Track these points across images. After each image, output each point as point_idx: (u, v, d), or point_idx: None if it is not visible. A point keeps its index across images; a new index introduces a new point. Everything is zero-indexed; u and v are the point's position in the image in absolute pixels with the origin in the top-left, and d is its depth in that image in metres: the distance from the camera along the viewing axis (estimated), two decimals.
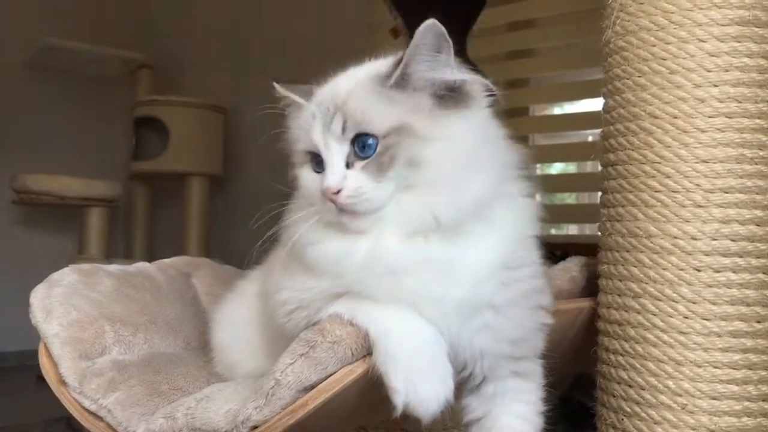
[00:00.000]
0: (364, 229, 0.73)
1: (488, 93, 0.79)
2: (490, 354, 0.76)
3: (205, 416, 0.74)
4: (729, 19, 0.85)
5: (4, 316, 2.77)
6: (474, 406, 0.81)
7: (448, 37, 0.72)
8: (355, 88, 0.75)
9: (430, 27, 0.71)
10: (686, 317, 0.86)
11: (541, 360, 0.83)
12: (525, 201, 0.80)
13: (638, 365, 0.89)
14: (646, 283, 0.89)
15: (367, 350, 0.72)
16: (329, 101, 0.75)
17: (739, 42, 0.85)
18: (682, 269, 0.86)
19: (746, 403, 0.85)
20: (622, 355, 0.92)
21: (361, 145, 0.72)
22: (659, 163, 0.89)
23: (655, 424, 0.87)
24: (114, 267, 1.11)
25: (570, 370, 1.22)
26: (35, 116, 3.08)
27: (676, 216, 0.87)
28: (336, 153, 0.73)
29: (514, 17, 2.26)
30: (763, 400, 0.86)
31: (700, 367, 0.85)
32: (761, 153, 0.86)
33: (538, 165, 2.27)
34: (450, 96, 0.73)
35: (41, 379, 0.93)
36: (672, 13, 0.88)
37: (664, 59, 0.88)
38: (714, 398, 0.85)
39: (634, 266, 0.91)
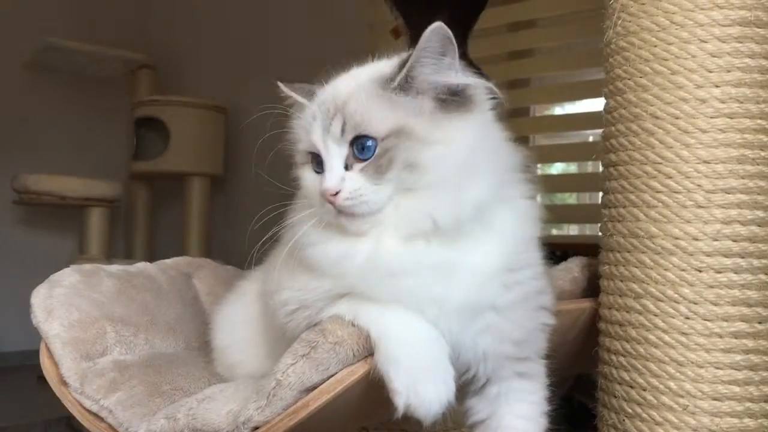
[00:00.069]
0: (363, 230, 0.73)
1: (491, 96, 0.79)
2: (492, 355, 0.77)
3: (207, 417, 0.74)
4: (731, 19, 0.85)
5: (4, 316, 2.77)
6: (478, 408, 0.81)
7: (453, 39, 0.72)
8: (356, 89, 0.75)
9: (437, 30, 0.71)
10: (688, 318, 0.86)
11: (544, 360, 0.83)
12: (527, 203, 0.80)
13: (639, 366, 0.89)
14: (648, 284, 0.89)
15: (368, 351, 0.72)
16: (330, 102, 0.75)
17: (741, 42, 0.85)
18: (683, 270, 0.86)
19: (748, 404, 0.85)
20: (623, 355, 0.92)
21: (360, 147, 0.72)
22: (661, 163, 0.89)
23: (656, 425, 0.87)
24: (115, 267, 1.11)
25: (571, 370, 1.22)
26: (36, 116, 3.08)
27: (678, 217, 0.87)
28: (335, 154, 0.74)
29: (515, 17, 2.26)
30: (765, 401, 0.86)
31: (701, 367, 0.85)
32: (763, 153, 0.86)
33: (539, 165, 2.27)
34: (452, 100, 0.73)
35: (42, 379, 0.93)
36: (673, 13, 0.88)
37: (665, 60, 0.88)
38: (715, 399, 0.85)
39: (636, 267, 0.91)
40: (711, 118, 0.86)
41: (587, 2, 1.79)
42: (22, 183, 2.70)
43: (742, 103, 0.86)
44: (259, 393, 0.72)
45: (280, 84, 0.83)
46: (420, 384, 0.68)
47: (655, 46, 0.89)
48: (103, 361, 0.93)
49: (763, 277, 0.86)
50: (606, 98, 0.99)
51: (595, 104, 2.12)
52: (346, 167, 0.73)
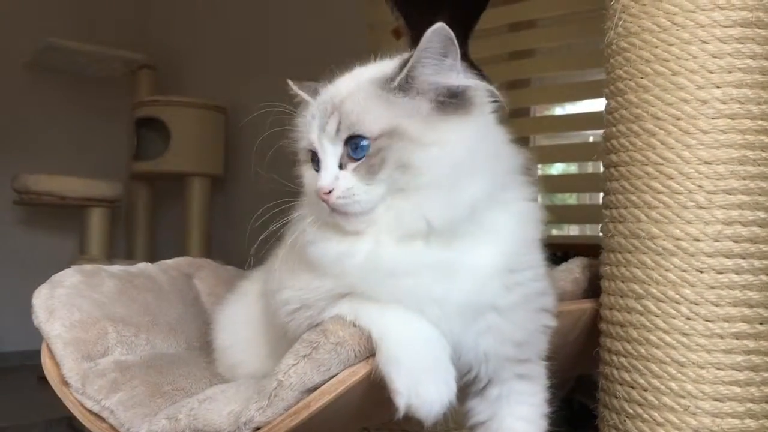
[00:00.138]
0: (359, 229, 0.73)
1: (493, 99, 0.78)
2: (494, 356, 0.77)
3: (208, 417, 0.74)
4: (732, 20, 0.85)
5: (5, 316, 2.78)
6: (479, 410, 0.81)
7: (455, 40, 0.72)
8: (354, 89, 0.76)
9: (438, 30, 0.71)
10: (689, 319, 0.86)
11: (545, 362, 0.83)
12: (528, 205, 0.80)
13: (641, 366, 0.89)
14: (649, 285, 0.89)
15: (369, 352, 0.72)
16: (328, 101, 0.76)
17: (742, 43, 0.85)
18: (684, 271, 0.86)
19: (749, 405, 0.85)
20: (624, 356, 0.92)
21: (354, 146, 0.73)
22: (662, 164, 0.89)
23: (657, 425, 0.87)
24: (116, 268, 1.11)
25: (572, 371, 1.22)
26: (36, 116, 3.09)
27: (679, 217, 0.87)
28: (330, 153, 0.74)
29: (516, 18, 2.26)
30: (766, 402, 0.86)
31: (702, 368, 0.85)
32: (764, 154, 0.86)
33: (540, 165, 2.27)
34: (451, 102, 0.73)
35: (43, 379, 0.93)
36: (674, 14, 0.88)
37: (666, 61, 0.88)
38: (717, 400, 0.85)
39: (637, 267, 0.91)
40: (712, 119, 0.86)
41: (588, 3, 1.79)
42: (23, 183, 2.70)
43: (743, 104, 0.86)
44: (261, 393, 0.72)
45: (289, 82, 0.83)
46: (421, 384, 0.68)
47: (656, 47, 0.89)
48: (105, 362, 0.93)
49: (764, 278, 0.86)
50: (607, 99, 0.99)
51: (595, 105, 2.12)
52: (341, 166, 0.74)
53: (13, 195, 2.78)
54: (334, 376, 0.71)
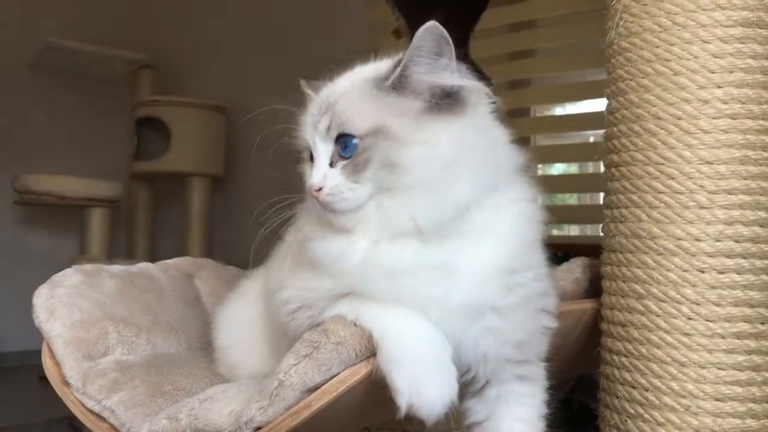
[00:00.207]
0: (348, 227, 0.74)
1: (489, 99, 0.78)
2: (493, 357, 0.76)
3: (209, 417, 0.74)
4: (733, 20, 0.85)
5: (5, 316, 2.78)
6: (476, 410, 0.81)
7: (449, 39, 0.72)
8: (348, 88, 0.76)
9: (430, 29, 0.71)
10: (690, 318, 0.86)
11: (545, 363, 0.83)
12: (528, 205, 0.79)
13: (642, 366, 0.89)
14: (650, 285, 0.89)
15: (371, 351, 0.72)
16: (323, 100, 0.77)
17: (743, 43, 0.85)
18: (685, 270, 0.86)
19: (750, 405, 0.85)
20: (625, 356, 0.91)
21: (344, 145, 0.73)
22: (663, 164, 0.89)
23: (658, 425, 0.87)
24: (117, 268, 1.11)
25: (573, 371, 1.22)
26: (37, 116, 3.09)
27: (680, 217, 0.87)
28: (322, 151, 0.75)
29: (516, 18, 2.26)
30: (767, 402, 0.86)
31: (703, 368, 0.85)
32: (765, 154, 0.86)
33: (540, 165, 2.27)
34: (445, 102, 0.73)
35: (43, 379, 0.93)
36: (675, 14, 0.88)
37: (667, 60, 0.88)
38: (718, 400, 0.84)
39: (638, 267, 0.91)
40: (713, 118, 0.86)
41: (588, 3, 1.79)
42: (23, 183, 2.70)
43: (744, 103, 0.86)
44: (262, 393, 0.72)
45: (301, 80, 0.83)
46: (422, 384, 0.68)
47: (657, 47, 0.89)
48: (105, 361, 0.93)
49: (765, 277, 0.86)
50: (608, 99, 0.99)
51: (596, 105, 2.12)
52: (332, 164, 0.74)
53: (13, 195, 2.78)
54: (335, 376, 0.71)
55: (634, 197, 0.92)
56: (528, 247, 0.78)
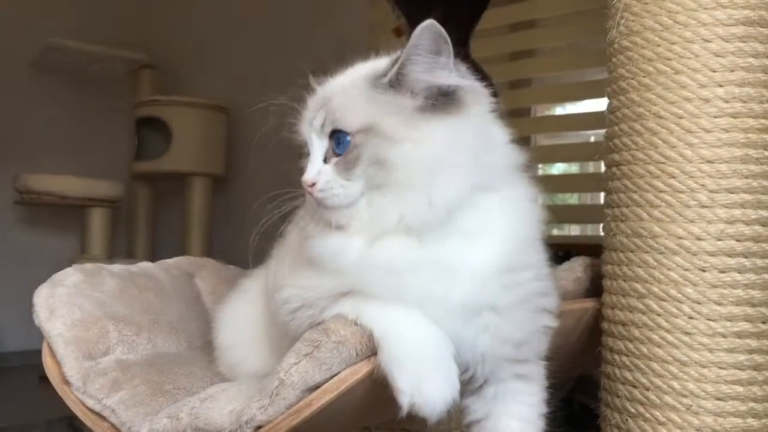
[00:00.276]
0: (342, 223, 0.74)
1: (487, 100, 0.78)
2: (491, 356, 0.76)
3: (209, 416, 0.74)
4: (734, 19, 0.85)
5: (6, 316, 2.78)
6: (474, 408, 0.81)
7: (447, 38, 0.71)
8: (345, 85, 0.77)
9: (428, 27, 0.71)
10: (691, 318, 0.86)
11: (545, 362, 0.83)
12: (527, 204, 0.79)
13: (643, 366, 0.89)
14: (651, 284, 0.89)
15: (371, 350, 0.72)
16: (320, 96, 0.77)
17: (745, 42, 0.85)
18: (686, 270, 0.86)
19: (751, 404, 0.84)
20: (626, 355, 0.91)
21: (338, 141, 0.74)
22: (664, 163, 0.89)
23: (659, 424, 0.87)
24: (117, 267, 1.11)
25: (574, 371, 1.21)
26: (38, 116, 3.09)
27: (681, 216, 0.87)
28: (316, 147, 0.76)
29: (517, 18, 2.26)
30: None
31: (704, 367, 0.85)
32: (766, 153, 0.86)
33: (540, 165, 2.27)
34: (441, 101, 0.72)
35: (44, 379, 0.93)
36: (677, 13, 0.88)
37: (668, 59, 0.88)
38: (719, 399, 0.84)
39: (639, 267, 0.90)
40: (714, 117, 0.86)
41: (589, 2, 1.79)
42: (24, 183, 2.70)
43: (745, 102, 0.85)
44: (262, 392, 0.72)
45: (310, 76, 0.83)
46: (424, 383, 0.68)
47: (659, 46, 0.89)
48: (106, 361, 0.93)
49: (766, 276, 0.86)
50: (609, 98, 0.99)
51: (596, 104, 2.12)
52: (326, 160, 0.75)
53: (14, 195, 2.78)
54: (335, 375, 0.71)
55: (635, 196, 0.92)
56: (527, 246, 0.78)
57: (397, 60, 0.73)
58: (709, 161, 0.86)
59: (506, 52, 2.33)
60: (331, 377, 0.71)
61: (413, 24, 1.66)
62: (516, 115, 2.29)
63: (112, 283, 1.05)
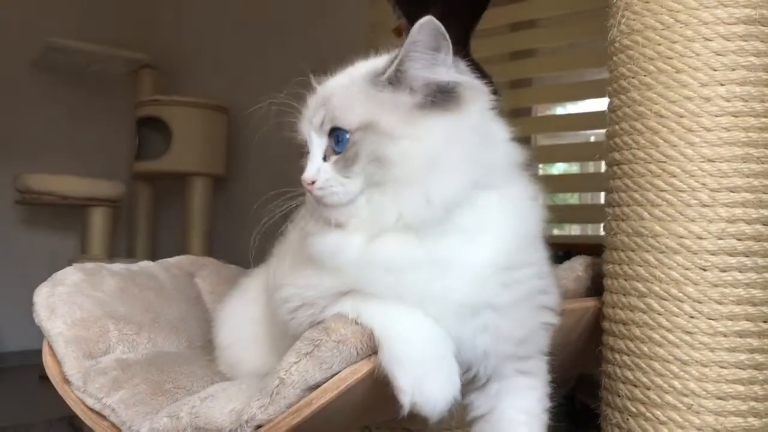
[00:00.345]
0: (342, 221, 0.74)
1: (489, 96, 0.78)
2: (493, 354, 0.76)
3: (210, 415, 0.74)
4: (735, 17, 0.85)
5: (6, 315, 2.78)
6: (478, 404, 0.81)
7: (446, 34, 0.71)
8: (344, 83, 0.77)
9: (426, 24, 0.70)
10: (692, 317, 0.86)
11: (547, 357, 0.83)
12: (527, 202, 0.79)
13: (644, 365, 0.89)
14: (652, 283, 0.89)
15: (372, 349, 0.72)
16: (320, 94, 0.78)
17: (746, 41, 0.85)
18: (687, 269, 0.86)
19: (752, 403, 0.84)
20: (627, 354, 0.91)
21: (337, 139, 0.74)
22: (665, 162, 0.88)
23: (660, 424, 0.87)
24: (118, 266, 1.11)
25: (575, 370, 1.21)
26: (38, 116, 3.09)
27: (682, 215, 0.87)
28: (316, 145, 0.76)
29: (517, 17, 2.26)
30: None
31: (706, 366, 0.85)
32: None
33: (541, 165, 2.27)
34: (440, 98, 0.72)
35: (44, 378, 0.93)
36: (678, 11, 0.88)
37: (669, 58, 0.88)
38: (720, 398, 0.84)
39: (640, 266, 0.90)
40: (715, 116, 0.86)
41: (589, 2, 1.79)
42: (24, 183, 2.70)
43: (746, 101, 0.85)
44: (263, 391, 0.72)
45: (311, 76, 0.83)
46: (425, 382, 0.68)
47: (660, 45, 0.89)
48: (106, 360, 0.93)
49: None
50: (610, 97, 0.99)
51: (597, 104, 2.12)
52: (326, 158, 0.75)
53: (14, 194, 2.78)
54: (336, 374, 0.71)
55: (636, 195, 0.91)
56: (528, 244, 0.78)
57: (396, 57, 0.73)
58: (710, 160, 0.86)
59: (507, 51, 2.33)
60: (332, 376, 0.71)
61: (413, 24, 1.66)
62: (516, 115, 2.29)
63: (113, 282, 1.05)
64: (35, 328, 0.95)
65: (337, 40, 2.65)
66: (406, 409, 0.68)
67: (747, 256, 0.85)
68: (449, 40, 0.72)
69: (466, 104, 0.74)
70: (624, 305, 0.93)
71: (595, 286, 1.03)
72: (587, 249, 1.14)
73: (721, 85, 0.86)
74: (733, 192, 0.85)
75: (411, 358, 0.69)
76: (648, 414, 0.88)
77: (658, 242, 0.89)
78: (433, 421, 0.69)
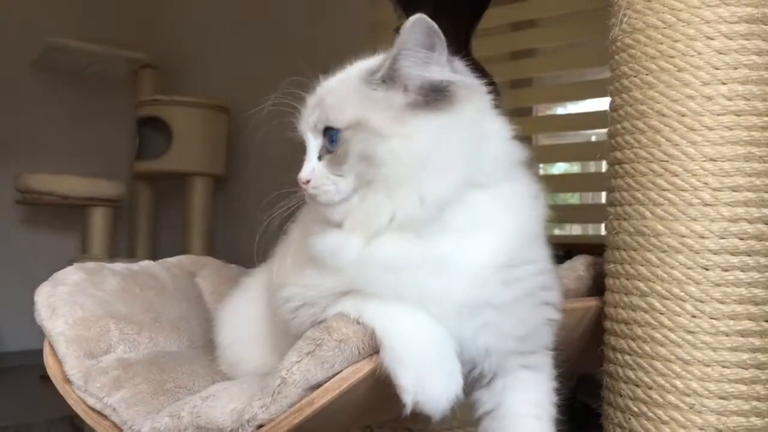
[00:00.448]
0: (337, 220, 0.74)
1: (484, 95, 0.78)
2: (495, 351, 0.76)
3: (211, 414, 0.74)
4: (737, 16, 0.85)
5: (7, 315, 2.78)
6: (485, 400, 0.81)
7: (439, 32, 0.71)
8: (340, 82, 0.77)
9: (418, 21, 0.70)
10: (694, 316, 0.85)
11: (552, 352, 0.83)
12: (528, 200, 0.79)
13: (645, 364, 0.89)
14: (654, 282, 0.89)
15: (373, 349, 0.72)
16: (317, 95, 0.78)
17: (748, 39, 0.85)
18: (689, 268, 0.86)
19: (755, 403, 0.84)
20: (629, 354, 0.91)
21: (330, 138, 0.75)
22: (667, 161, 0.88)
23: (662, 423, 0.87)
24: (118, 266, 1.11)
25: (576, 369, 1.21)
26: (39, 116, 3.09)
27: (684, 214, 0.87)
28: (312, 145, 0.77)
29: (518, 17, 2.26)
30: None
31: (708, 366, 0.84)
32: None
33: (542, 165, 2.27)
34: (432, 97, 0.72)
35: (44, 378, 0.93)
36: (680, 10, 0.87)
37: (671, 57, 0.88)
38: (722, 398, 0.84)
39: (642, 265, 0.90)
40: (718, 115, 0.86)
41: (589, 1, 1.79)
42: (25, 183, 2.70)
43: (749, 100, 0.85)
44: (264, 391, 0.72)
45: (321, 77, 0.83)
46: (427, 380, 0.68)
47: (662, 43, 0.89)
48: (107, 359, 0.93)
49: None
50: (611, 96, 0.99)
51: (597, 104, 2.12)
52: (321, 157, 0.76)
53: (15, 194, 2.79)
54: (337, 374, 0.71)
55: (638, 194, 0.91)
56: (529, 241, 0.77)
57: (389, 56, 0.73)
58: (712, 159, 0.86)
59: (507, 51, 2.33)
60: (333, 376, 0.71)
61: None
62: (517, 115, 2.29)
63: (114, 281, 1.05)
64: (36, 328, 0.95)
65: (337, 40, 2.65)
66: (408, 407, 0.68)
67: (749, 255, 0.85)
68: (443, 38, 0.71)
69: (459, 103, 0.73)
70: (626, 304, 0.92)
71: (597, 286, 1.03)
72: (588, 249, 1.14)
73: (723, 83, 0.85)
74: (736, 191, 0.85)
75: (413, 357, 0.69)
76: (650, 414, 0.88)
77: (660, 241, 0.88)
78: (436, 419, 0.69)
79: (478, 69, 1.08)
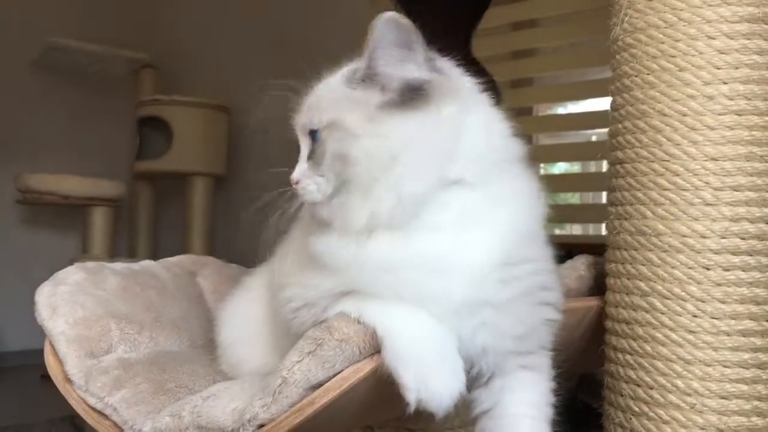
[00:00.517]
0: (324, 218, 0.75)
1: (468, 92, 0.77)
2: (492, 351, 0.76)
3: (212, 414, 0.74)
4: (739, 16, 0.85)
5: (8, 315, 2.78)
6: (482, 399, 0.80)
7: (414, 30, 0.71)
8: (326, 84, 0.78)
9: (387, 20, 0.70)
10: (695, 316, 0.85)
11: (551, 352, 0.82)
12: (526, 197, 0.78)
13: (646, 364, 0.89)
14: (655, 282, 0.89)
15: (374, 348, 0.72)
16: (309, 95, 0.79)
17: (749, 39, 0.85)
18: (690, 267, 0.86)
19: (756, 403, 0.84)
20: (630, 353, 0.91)
21: (314, 139, 0.76)
22: (668, 160, 0.88)
23: (663, 423, 0.87)
24: (119, 265, 1.11)
25: (577, 369, 1.21)
26: (39, 116, 3.09)
27: (685, 214, 0.87)
28: (303, 146, 0.78)
29: (518, 17, 2.26)
30: None
31: (709, 366, 0.84)
32: None
33: (542, 165, 2.27)
34: (408, 96, 0.71)
35: (45, 378, 0.93)
36: (681, 10, 0.87)
37: (672, 56, 0.88)
38: (723, 397, 0.84)
39: (643, 264, 0.90)
40: (719, 115, 0.86)
41: (590, 1, 1.79)
42: (25, 182, 2.70)
43: (750, 99, 0.85)
44: (265, 390, 0.72)
45: (310, 76, 0.84)
46: (430, 378, 0.68)
47: (663, 43, 0.89)
48: (108, 359, 0.93)
49: None
50: (613, 95, 0.99)
51: (598, 104, 2.12)
52: (310, 158, 0.77)
53: (15, 194, 2.79)
54: (338, 373, 0.71)
55: (639, 194, 0.91)
56: (527, 239, 0.77)
57: (365, 55, 0.73)
58: (713, 159, 0.85)
59: (508, 51, 2.33)
60: (334, 375, 0.71)
61: (416, 23, 1.66)
62: (517, 115, 2.29)
63: (114, 281, 1.05)
64: (37, 328, 0.95)
65: (337, 40, 2.65)
66: (412, 406, 0.67)
67: (750, 255, 0.85)
68: (419, 36, 0.71)
69: (436, 102, 0.72)
70: (627, 304, 0.92)
71: (598, 285, 1.02)
72: (588, 249, 1.14)
73: (725, 83, 0.85)
74: (737, 191, 0.85)
75: (415, 356, 0.69)
76: (651, 413, 0.88)
77: (661, 241, 0.88)
78: (439, 417, 0.68)
79: (479, 68, 1.08)
